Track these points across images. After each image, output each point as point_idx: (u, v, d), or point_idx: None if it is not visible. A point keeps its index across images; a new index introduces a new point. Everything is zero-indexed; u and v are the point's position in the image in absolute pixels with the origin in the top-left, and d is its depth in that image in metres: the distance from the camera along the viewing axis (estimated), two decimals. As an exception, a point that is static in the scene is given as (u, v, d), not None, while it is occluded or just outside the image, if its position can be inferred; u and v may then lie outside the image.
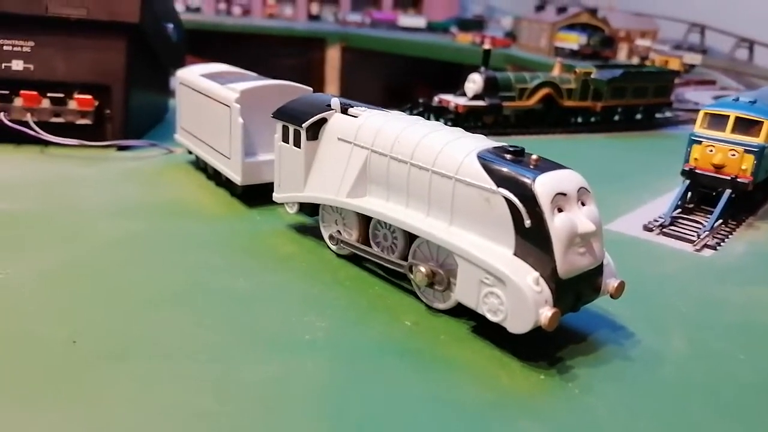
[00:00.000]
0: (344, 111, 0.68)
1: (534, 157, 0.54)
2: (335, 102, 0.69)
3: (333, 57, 3.37)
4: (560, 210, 0.51)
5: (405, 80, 3.29)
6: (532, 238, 0.51)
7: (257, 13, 3.64)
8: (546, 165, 0.53)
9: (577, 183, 0.53)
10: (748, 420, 0.48)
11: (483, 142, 0.58)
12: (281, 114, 0.71)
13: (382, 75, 3.37)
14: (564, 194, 0.51)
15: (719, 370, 0.54)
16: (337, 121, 0.68)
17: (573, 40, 2.76)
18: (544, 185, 0.51)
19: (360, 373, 0.50)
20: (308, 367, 0.50)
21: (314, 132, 0.69)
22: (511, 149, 0.55)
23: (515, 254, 0.52)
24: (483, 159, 0.54)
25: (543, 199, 0.50)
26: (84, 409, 0.44)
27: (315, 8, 3.73)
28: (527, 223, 0.51)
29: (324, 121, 0.68)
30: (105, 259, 0.66)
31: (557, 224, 0.50)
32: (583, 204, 0.53)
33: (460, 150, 0.56)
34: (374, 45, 3.32)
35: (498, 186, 0.52)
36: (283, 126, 0.71)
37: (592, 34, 2.77)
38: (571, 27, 2.83)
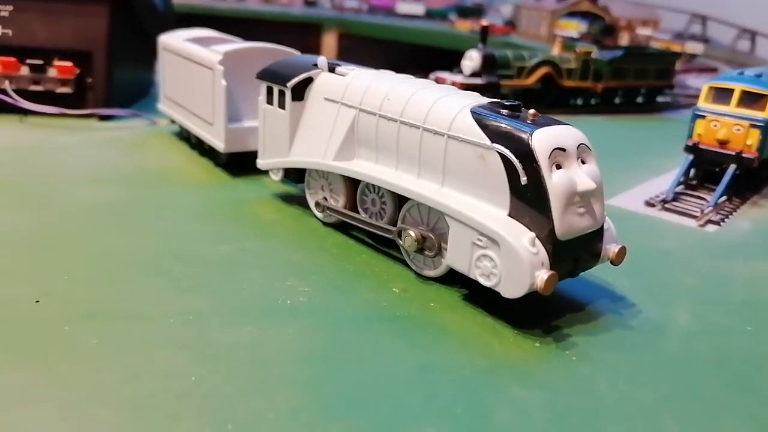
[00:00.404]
0: (331, 70, 0.65)
1: (531, 112, 0.50)
2: (322, 61, 0.65)
3: (329, 43, 3.32)
4: (559, 167, 0.48)
5: (402, 67, 3.24)
6: (528, 196, 0.48)
7: (253, -2, 3.59)
8: (544, 120, 0.50)
9: (577, 139, 0.49)
10: (757, 392, 0.45)
11: (477, 99, 0.54)
12: (265, 74, 0.68)
13: (379, 62, 3.32)
14: (563, 150, 0.48)
15: (725, 343, 0.51)
16: (323, 81, 0.64)
17: (573, 28, 2.72)
18: (541, 140, 0.47)
19: (344, 339, 0.46)
20: (288, 332, 0.47)
21: (300, 92, 0.65)
22: (507, 104, 0.51)
23: (510, 215, 0.49)
24: (477, 114, 0.51)
25: (540, 155, 0.47)
26: (44, 369, 0.40)
27: (312, -6, 3.67)
28: (523, 180, 0.47)
29: (310, 80, 0.65)
30: (79, 224, 0.63)
31: (555, 181, 0.47)
32: (583, 162, 0.50)
33: (453, 105, 0.53)
34: (372, 31, 3.27)
35: (493, 142, 0.49)
36: (268, 87, 0.67)
37: (592, 22, 2.73)
38: (572, 15, 2.79)
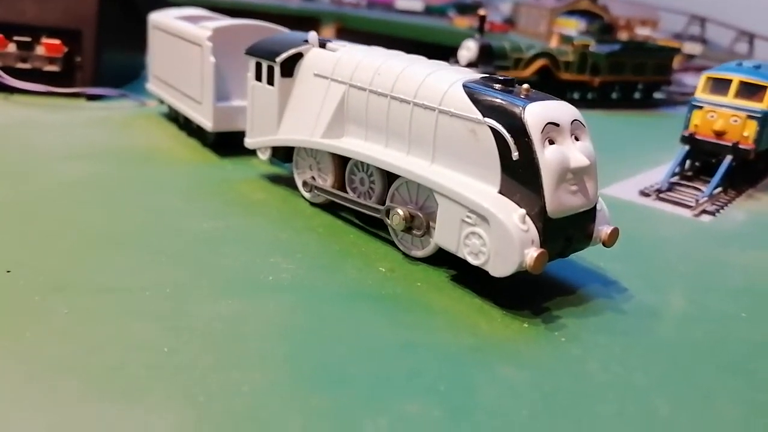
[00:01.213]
0: (322, 46, 0.63)
1: (525, 86, 0.49)
2: (312, 36, 0.64)
3: (327, 37, 3.30)
4: (551, 142, 0.46)
5: (400, 63, 3.21)
6: (519, 173, 0.46)
7: (251, -8, 3.57)
8: (538, 95, 0.48)
9: (571, 115, 0.48)
10: (750, 376, 0.43)
11: (469, 73, 0.53)
12: (255, 50, 0.66)
13: (376, 57, 3.29)
14: (556, 125, 0.46)
15: (720, 329, 0.49)
16: (313, 56, 0.63)
17: (572, 26, 2.71)
18: (534, 114, 0.46)
19: (327, 316, 0.45)
20: (269, 308, 0.45)
21: (289, 68, 0.63)
22: (500, 79, 0.50)
23: (501, 192, 0.47)
24: (469, 89, 0.49)
25: (533, 129, 0.45)
26: (11, 338, 0.39)
27: (311, -12, 3.65)
28: (515, 155, 0.46)
29: (300, 56, 0.63)
30: (59, 199, 0.61)
31: (548, 157, 0.45)
32: (577, 139, 0.48)
33: (445, 80, 0.51)
34: (370, 26, 3.25)
35: (484, 116, 0.47)
36: (257, 63, 0.66)
37: (591, 20, 2.72)
38: (571, 13, 2.79)
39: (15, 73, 0.92)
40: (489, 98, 0.48)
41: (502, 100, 0.47)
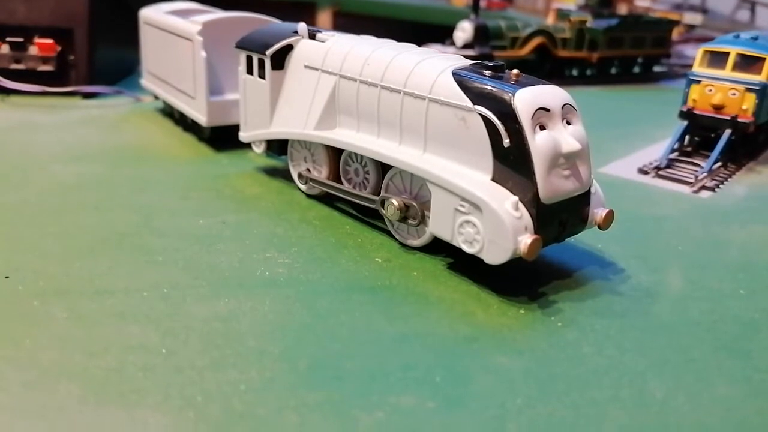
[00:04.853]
0: (312, 37, 0.63)
1: (515, 72, 0.48)
2: (302, 27, 0.63)
3: (324, 22, 3.27)
4: (542, 128, 0.46)
5: (398, 45, 3.18)
6: (511, 159, 0.46)
7: (246, -22, 3.54)
8: (528, 80, 0.48)
9: (561, 99, 0.47)
10: (748, 356, 0.43)
11: (459, 60, 0.52)
12: (244, 43, 0.65)
13: (374, 40, 3.26)
14: (547, 110, 0.46)
15: (717, 308, 0.49)
16: (303, 48, 0.62)
17: (571, 0, 2.67)
18: (524, 100, 0.46)
19: (322, 310, 0.45)
20: (265, 305, 0.45)
21: (280, 60, 0.63)
22: (490, 65, 0.49)
23: (493, 179, 0.47)
24: (458, 76, 0.49)
25: (523, 115, 0.45)
26: (10, 345, 0.39)
27: (305, -28, 3.62)
28: (506, 142, 0.45)
29: (290, 48, 0.63)
30: (56, 202, 0.61)
31: (539, 143, 0.45)
32: (568, 123, 0.48)
33: (434, 68, 0.51)
34: (367, 9, 3.21)
35: (474, 103, 0.47)
36: (247, 56, 0.65)
37: (590, -7, 2.68)
38: (569, -13, 2.75)
39: (9, 75, 0.92)
40: (478, 85, 0.48)
41: (491, 86, 0.47)
